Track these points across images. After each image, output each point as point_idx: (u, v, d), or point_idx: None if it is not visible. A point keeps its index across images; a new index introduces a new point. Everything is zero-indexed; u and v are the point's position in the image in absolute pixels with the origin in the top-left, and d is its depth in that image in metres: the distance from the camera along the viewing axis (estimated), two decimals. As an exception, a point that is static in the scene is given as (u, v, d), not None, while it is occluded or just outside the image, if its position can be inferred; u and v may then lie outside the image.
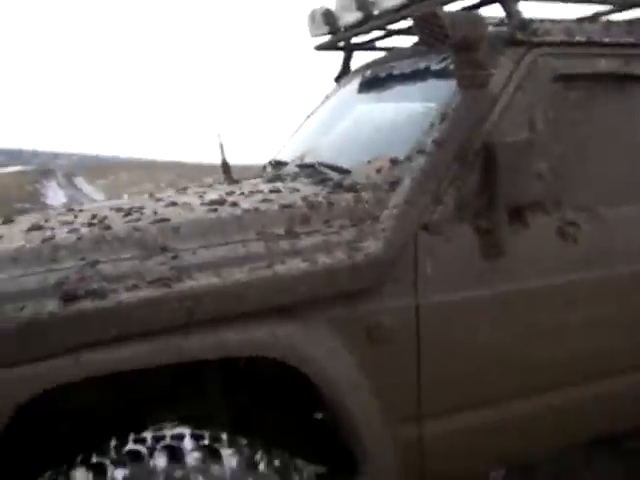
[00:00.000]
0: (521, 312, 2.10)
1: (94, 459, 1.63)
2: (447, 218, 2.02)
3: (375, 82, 2.83)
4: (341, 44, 3.18)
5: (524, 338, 2.12)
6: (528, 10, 2.25)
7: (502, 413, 2.13)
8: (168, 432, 1.69)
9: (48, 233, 1.93)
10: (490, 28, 2.29)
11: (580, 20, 2.49)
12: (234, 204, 2.06)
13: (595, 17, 2.67)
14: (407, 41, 3.02)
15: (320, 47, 3.18)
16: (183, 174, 27.68)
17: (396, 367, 1.94)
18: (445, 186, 2.03)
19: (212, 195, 2.26)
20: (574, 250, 2.18)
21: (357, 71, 3.15)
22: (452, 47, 2.01)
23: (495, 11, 2.39)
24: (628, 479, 3.01)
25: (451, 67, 2.18)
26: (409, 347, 1.95)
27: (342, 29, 2.94)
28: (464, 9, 2.43)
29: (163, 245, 1.82)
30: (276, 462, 1.75)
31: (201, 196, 2.27)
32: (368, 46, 3.18)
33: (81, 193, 23.50)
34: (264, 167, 3.11)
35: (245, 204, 2.06)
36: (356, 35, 2.94)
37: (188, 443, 1.66)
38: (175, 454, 1.62)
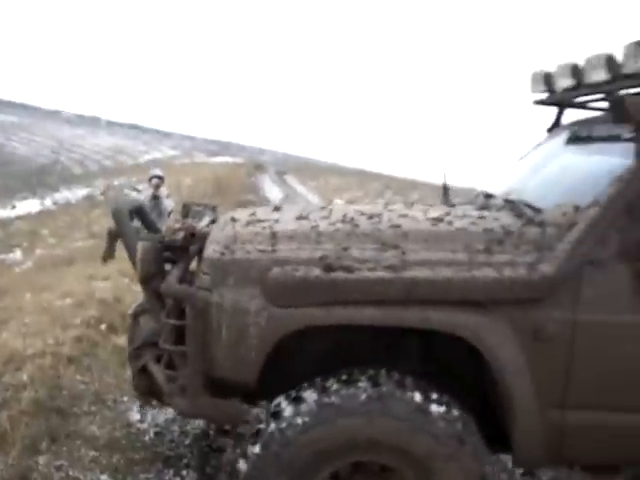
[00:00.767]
0: None
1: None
2: (610, 258, 2.59)
3: (579, 138, 3.38)
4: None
5: None
6: None
7: (636, 420, 2.64)
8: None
9: (313, 223, 2.77)
10: None
11: None
12: (450, 222, 2.79)
13: None
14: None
15: (539, 102, 3.77)
16: (390, 185, 28.81)
17: (551, 364, 2.56)
18: (613, 233, 2.60)
19: (434, 213, 2.99)
20: None
21: (567, 126, 3.70)
22: (634, 126, 2.58)
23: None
24: None
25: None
26: (564, 350, 2.55)
27: (559, 90, 3.49)
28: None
29: (395, 244, 2.60)
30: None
31: (425, 213, 3.01)
32: (579, 106, 3.69)
33: (295, 192, 25.29)
34: (476, 196, 3.77)
35: (458, 224, 2.78)
36: (570, 96, 3.47)
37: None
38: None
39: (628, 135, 2.88)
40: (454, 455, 2.44)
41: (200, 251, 2.86)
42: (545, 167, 3.50)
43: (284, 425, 2.44)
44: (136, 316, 3.01)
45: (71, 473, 3.28)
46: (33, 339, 4.85)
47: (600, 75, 3.07)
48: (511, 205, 3.16)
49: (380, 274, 2.46)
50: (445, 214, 3.00)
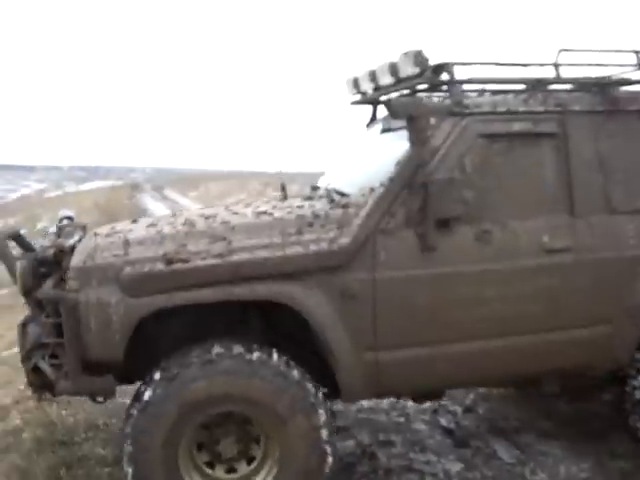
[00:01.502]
0: (447, 287, 3.34)
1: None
2: (398, 226, 3.30)
3: (386, 130, 4.09)
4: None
5: (449, 304, 3.35)
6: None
7: (434, 352, 3.37)
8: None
9: (159, 229, 3.38)
10: (440, 103, 3.54)
11: (508, 94, 3.66)
12: (271, 214, 3.44)
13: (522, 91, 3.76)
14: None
15: (355, 102, 4.49)
16: (270, 182, 29.25)
17: (360, 316, 3.24)
18: (397, 206, 3.31)
19: (261, 208, 3.64)
20: (487, 249, 3.39)
21: (380, 120, 4.40)
22: (406, 119, 3.29)
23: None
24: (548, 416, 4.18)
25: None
26: (368, 304, 3.24)
27: (370, 91, 4.17)
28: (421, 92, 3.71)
29: (224, 236, 3.22)
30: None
31: (255, 209, 3.66)
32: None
33: (178, 205, 25.47)
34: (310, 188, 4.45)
35: (277, 214, 3.44)
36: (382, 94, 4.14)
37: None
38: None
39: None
40: (282, 389, 3.09)
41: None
42: (358, 157, 4.21)
43: (156, 388, 3.03)
44: (24, 325, 3.51)
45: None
46: (4, 389, 5.13)
47: (386, 79, 3.79)
48: (327, 193, 3.85)
49: (210, 261, 3.08)
50: (272, 207, 3.66)
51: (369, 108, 4.62)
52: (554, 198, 3.59)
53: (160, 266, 3.06)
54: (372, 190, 3.41)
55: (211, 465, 3.24)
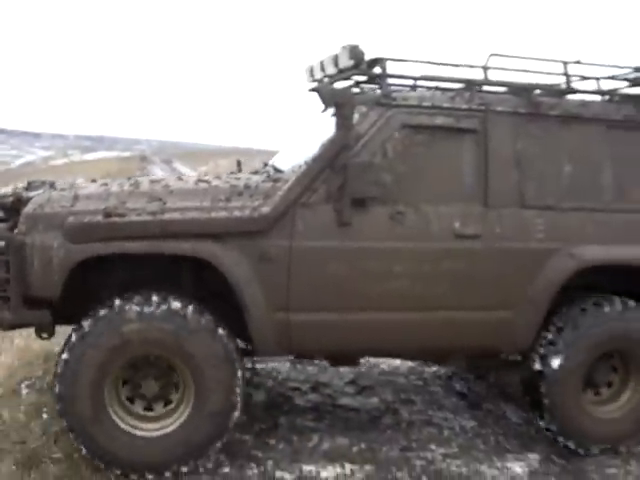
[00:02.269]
0: (358, 260, 3.73)
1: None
2: (318, 201, 3.70)
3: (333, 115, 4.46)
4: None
5: (359, 275, 3.73)
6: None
7: (343, 318, 3.76)
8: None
9: (108, 188, 3.81)
10: (368, 93, 3.92)
11: (436, 90, 4.03)
12: (209, 183, 3.86)
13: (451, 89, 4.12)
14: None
15: (311, 89, 4.86)
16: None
17: (275, 278, 3.65)
18: (319, 183, 3.70)
19: (207, 178, 4.05)
20: (399, 228, 3.77)
21: None
22: (333, 106, 3.68)
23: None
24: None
25: None
26: (284, 268, 3.65)
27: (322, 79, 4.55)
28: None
29: (160, 198, 3.65)
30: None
31: (201, 178, 4.07)
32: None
33: None
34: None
35: (215, 183, 3.85)
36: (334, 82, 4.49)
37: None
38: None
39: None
40: (202, 342, 3.52)
41: None
42: (304, 138, 4.59)
43: (97, 321, 3.47)
44: None
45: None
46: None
47: (330, 69, 4.18)
48: (268, 169, 4.25)
49: (143, 217, 3.51)
50: (214, 178, 4.07)
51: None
52: (470, 189, 3.95)
53: (99, 218, 3.49)
54: (300, 166, 3.81)
55: (132, 400, 3.66)
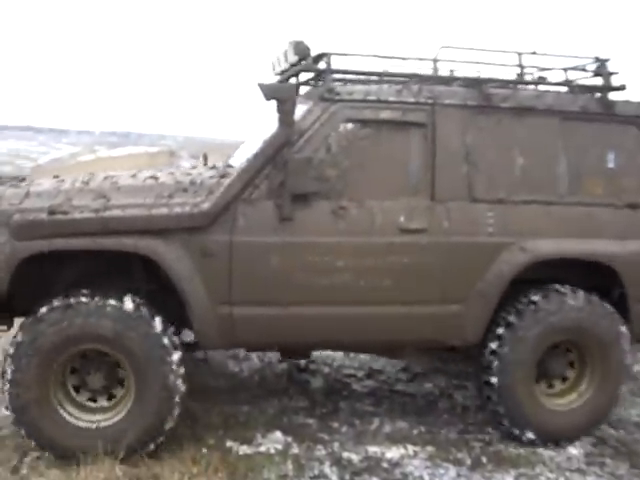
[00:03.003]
0: (299, 254, 3.79)
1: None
2: (260, 197, 3.76)
3: None
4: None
5: (301, 270, 3.79)
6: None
7: (286, 312, 3.83)
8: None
9: (60, 185, 3.93)
10: (316, 88, 3.94)
11: (383, 84, 4.03)
12: (156, 179, 3.95)
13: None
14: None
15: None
16: None
17: (217, 273, 3.74)
18: (261, 179, 3.76)
19: (157, 174, 4.13)
20: (341, 223, 3.81)
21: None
22: (276, 102, 3.72)
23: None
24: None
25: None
26: (225, 263, 3.73)
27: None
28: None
29: (106, 195, 3.75)
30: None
31: (152, 175, 4.16)
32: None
33: None
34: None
35: (163, 179, 3.94)
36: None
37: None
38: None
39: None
40: (139, 335, 3.63)
41: None
42: (259, 132, 4.63)
43: (37, 321, 3.60)
44: None
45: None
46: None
47: (282, 64, 4.22)
48: (222, 165, 4.32)
49: (85, 215, 3.62)
50: (167, 174, 4.16)
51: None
52: (417, 183, 3.97)
53: (43, 216, 3.61)
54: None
55: (77, 389, 3.80)
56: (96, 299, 3.61)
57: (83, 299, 3.61)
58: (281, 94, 3.72)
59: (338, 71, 3.98)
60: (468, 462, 3.96)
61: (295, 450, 3.99)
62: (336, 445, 4.09)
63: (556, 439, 4.16)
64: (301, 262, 3.80)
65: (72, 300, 3.61)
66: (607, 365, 4.17)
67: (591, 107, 4.19)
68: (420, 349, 4.36)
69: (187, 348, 3.97)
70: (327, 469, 3.81)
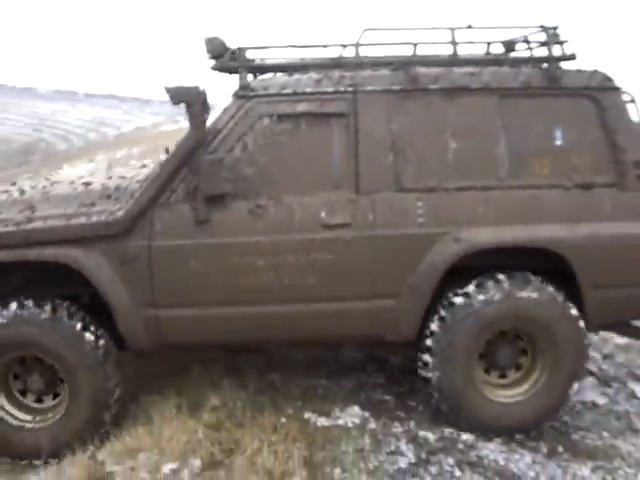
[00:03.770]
0: (218, 256, 3.78)
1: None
2: (177, 200, 3.78)
3: None
4: None
5: (221, 271, 3.78)
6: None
7: (210, 313, 3.85)
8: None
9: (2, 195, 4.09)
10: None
11: (300, 76, 3.89)
12: (89, 184, 4.03)
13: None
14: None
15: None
16: None
17: (138, 277, 3.81)
18: (178, 182, 3.76)
19: (90, 179, 4.21)
20: (259, 222, 3.76)
21: None
22: (185, 106, 3.68)
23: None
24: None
25: None
26: (145, 267, 3.79)
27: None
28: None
29: (32, 205, 3.88)
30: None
31: (85, 180, 4.25)
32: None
33: None
34: None
35: (93, 185, 4.03)
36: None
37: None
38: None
39: None
40: (68, 341, 3.77)
41: None
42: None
43: None
44: None
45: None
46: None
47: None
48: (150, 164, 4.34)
49: (8, 229, 3.76)
50: (102, 178, 4.24)
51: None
52: (340, 176, 3.84)
53: None
54: None
55: (24, 393, 3.99)
56: (19, 308, 3.77)
57: (11, 308, 3.77)
58: (187, 97, 3.69)
59: (253, 67, 3.87)
60: (544, 450, 3.93)
61: (372, 425, 4.03)
62: (412, 423, 4.12)
63: (498, 432, 3.99)
64: (220, 263, 3.80)
65: (6, 308, 3.78)
66: (557, 355, 3.92)
67: (534, 81, 3.88)
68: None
69: None
70: (403, 446, 3.85)
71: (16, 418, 3.93)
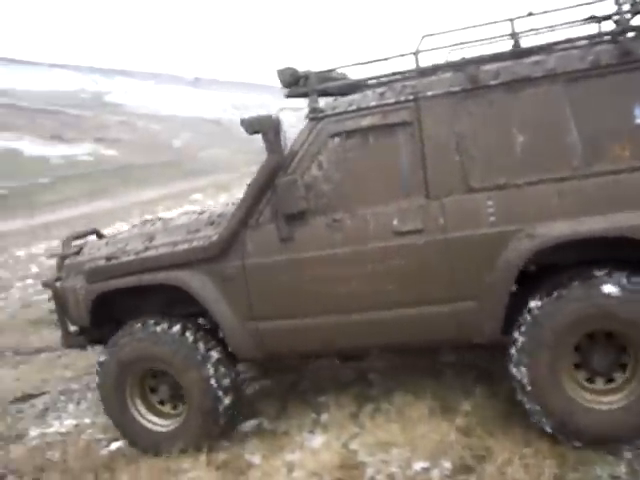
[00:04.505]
0: (303, 269, 4.09)
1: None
2: (265, 221, 4.16)
3: None
4: None
5: (308, 284, 4.09)
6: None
7: (303, 323, 4.17)
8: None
9: (130, 231, 4.75)
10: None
11: (367, 92, 4.05)
12: (201, 213, 4.58)
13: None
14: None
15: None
16: None
17: (238, 294, 4.25)
18: (264, 204, 4.14)
19: (207, 208, 4.73)
20: (337, 235, 4.00)
21: None
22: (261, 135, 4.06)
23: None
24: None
25: None
26: (242, 285, 4.21)
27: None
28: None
29: (152, 236, 4.48)
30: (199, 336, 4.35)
31: (205, 209, 4.76)
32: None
33: None
34: None
35: (204, 214, 4.56)
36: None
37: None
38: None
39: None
40: (176, 350, 4.30)
41: None
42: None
43: (112, 344, 4.53)
44: None
45: None
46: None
47: None
48: None
49: (129, 258, 4.40)
50: (213, 207, 4.73)
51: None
52: (409, 183, 3.95)
53: (102, 262, 4.46)
54: None
55: (162, 402, 4.67)
56: (156, 326, 4.41)
57: (139, 326, 4.41)
58: (260, 127, 4.05)
59: (320, 90, 4.11)
60: (622, 470, 3.65)
61: (628, 455, 3.75)
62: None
63: (590, 441, 3.76)
64: (305, 277, 4.10)
65: (133, 328, 4.44)
66: None
67: (604, 59, 3.66)
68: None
69: None
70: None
71: (155, 424, 4.59)
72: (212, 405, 4.36)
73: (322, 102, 4.16)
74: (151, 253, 4.39)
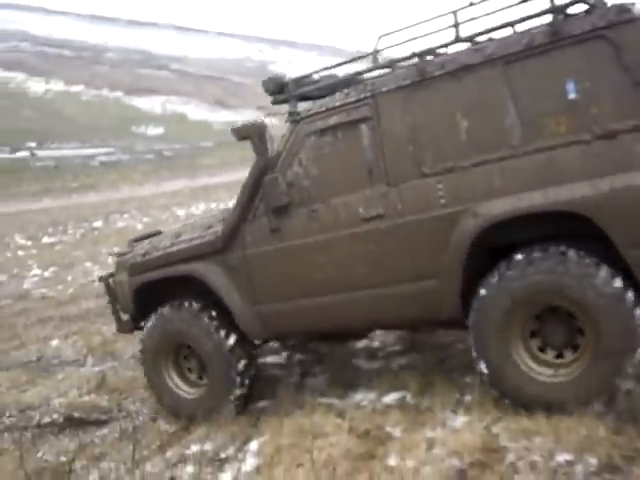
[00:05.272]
0: (288, 257, 4.61)
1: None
2: (259, 215, 4.71)
3: None
4: None
5: (293, 270, 4.60)
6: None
7: (293, 305, 4.69)
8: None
9: (154, 239, 5.52)
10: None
11: (336, 94, 4.46)
12: (221, 211, 5.19)
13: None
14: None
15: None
16: None
17: (243, 281, 4.86)
18: (258, 201, 4.68)
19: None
20: (314, 224, 4.47)
21: None
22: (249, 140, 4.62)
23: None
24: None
25: None
26: (245, 272, 4.81)
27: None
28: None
29: (180, 233, 5.19)
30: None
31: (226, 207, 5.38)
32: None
33: None
34: None
35: (221, 211, 5.16)
36: None
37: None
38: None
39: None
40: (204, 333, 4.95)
41: None
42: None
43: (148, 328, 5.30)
44: None
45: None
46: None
47: None
48: None
49: (158, 253, 5.12)
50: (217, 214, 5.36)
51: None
52: (372, 174, 4.34)
53: (139, 258, 5.22)
54: None
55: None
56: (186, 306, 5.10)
57: (165, 310, 5.15)
58: (246, 133, 4.61)
59: (297, 95, 4.56)
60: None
61: None
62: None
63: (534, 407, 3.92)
64: (291, 263, 4.62)
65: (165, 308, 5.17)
66: (600, 330, 3.70)
67: (537, 39, 3.80)
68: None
69: None
70: None
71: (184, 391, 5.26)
72: (227, 377, 4.94)
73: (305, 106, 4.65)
74: (174, 248, 5.08)
